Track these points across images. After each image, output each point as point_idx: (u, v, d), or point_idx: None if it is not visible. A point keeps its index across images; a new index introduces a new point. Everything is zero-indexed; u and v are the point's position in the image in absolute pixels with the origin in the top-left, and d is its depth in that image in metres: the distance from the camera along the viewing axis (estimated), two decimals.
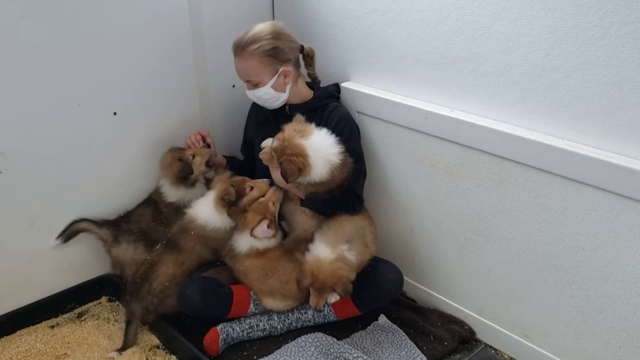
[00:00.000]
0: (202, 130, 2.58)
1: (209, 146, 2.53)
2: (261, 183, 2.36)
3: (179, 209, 2.48)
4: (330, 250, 2.15)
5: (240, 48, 2.24)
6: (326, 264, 2.13)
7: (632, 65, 1.68)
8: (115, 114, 2.40)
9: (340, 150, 2.17)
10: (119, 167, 2.50)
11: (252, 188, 2.34)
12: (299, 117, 2.22)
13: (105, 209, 2.51)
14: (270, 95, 2.32)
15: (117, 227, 2.49)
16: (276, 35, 2.25)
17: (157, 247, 2.37)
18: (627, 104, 1.72)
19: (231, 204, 2.29)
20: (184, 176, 2.47)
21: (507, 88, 1.98)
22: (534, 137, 1.93)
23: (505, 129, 2.00)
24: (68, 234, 2.43)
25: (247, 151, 2.66)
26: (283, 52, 2.26)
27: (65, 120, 2.28)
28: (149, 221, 2.50)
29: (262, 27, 2.25)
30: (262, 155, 2.23)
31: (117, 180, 2.51)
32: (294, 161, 2.11)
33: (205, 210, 2.34)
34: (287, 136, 2.14)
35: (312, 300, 2.21)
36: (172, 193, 2.52)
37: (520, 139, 1.96)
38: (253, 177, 2.45)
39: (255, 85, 2.31)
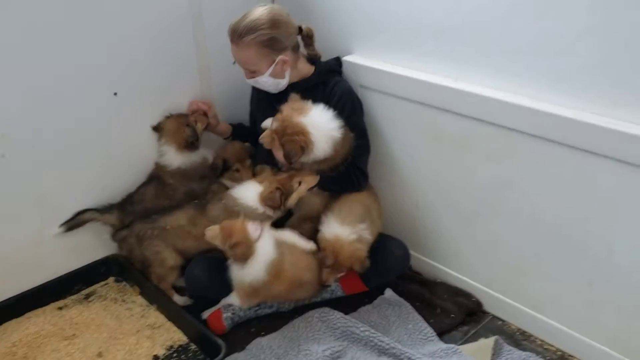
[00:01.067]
0: (206, 100, 2.58)
1: (205, 113, 2.55)
2: (310, 177, 2.25)
3: (185, 174, 2.51)
4: (349, 230, 2.19)
5: (237, 36, 2.18)
6: (347, 244, 2.17)
7: None
8: (115, 94, 2.37)
9: (340, 124, 2.16)
10: (121, 147, 2.48)
11: (300, 183, 2.25)
12: (294, 96, 2.20)
13: (110, 189, 2.50)
14: (269, 83, 2.30)
15: (122, 210, 2.48)
16: (273, 23, 2.18)
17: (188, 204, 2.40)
18: (636, 69, 1.69)
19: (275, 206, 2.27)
20: (192, 141, 2.49)
21: (513, 57, 1.95)
22: (540, 106, 1.90)
23: (512, 99, 1.97)
24: (72, 224, 2.43)
25: (252, 124, 2.65)
26: (280, 41, 2.20)
27: (66, 102, 2.25)
28: (152, 199, 2.49)
29: (259, 15, 2.17)
30: (263, 139, 2.21)
31: (120, 160, 2.49)
32: (296, 140, 2.10)
33: (247, 193, 2.30)
34: (286, 116, 2.13)
35: (325, 275, 2.22)
36: (176, 158, 2.51)
37: (527, 109, 1.93)
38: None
39: (253, 73, 2.27)
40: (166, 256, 2.34)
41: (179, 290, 2.44)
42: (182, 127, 2.50)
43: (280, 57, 2.22)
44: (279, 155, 2.22)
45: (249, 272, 2.13)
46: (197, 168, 2.53)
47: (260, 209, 2.26)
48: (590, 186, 1.89)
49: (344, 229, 2.19)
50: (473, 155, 2.17)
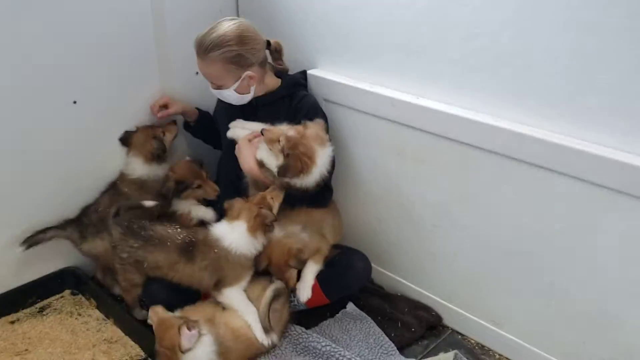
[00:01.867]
0: (163, 96, 2.55)
1: (174, 122, 2.54)
2: (278, 193, 2.19)
3: (143, 186, 2.45)
4: (279, 230, 2.19)
5: (203, 50, 2.15)
6: (276, 242, 2.17)
7: (596, 53, 1.69)
8: (75, 102, 2.33)
9: (331, 167, 2.21)
10: (80, 157, 2.43)
11: (272, 198, 2.19)
12: (319, 122, 2.20)
13: (66, 202, 2.44)
14: (234, 97, 2.28)
15: (79, 223, 2.43)
16: (240, 40, 2.15)
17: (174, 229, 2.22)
18: (591, 88, 1.74)
19: (269, 225, 2.16)
20: (159, 153, 2.46)
21: (473, 75, 1.98)
22: (499, 123, 1.94)
23: (471, 115, 2.00)
24: (32, 242, 2.37)
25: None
26: (246, 57, 2.18)
27: (21, 110, 2.20)
28: (106, 207, 2.40)
29: (226, 30, 2.14)
30: (269, 132, 2.15)
31: (78, 171, 2.44)
32: (303, 161, 2.09)
33: (235, 236, 2.14)
34: (307, 135, 2.11)
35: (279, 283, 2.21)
36: (142, 169, 2.47)
37: (486, 126, 1.96)
38: (217, 147, 2.54)
39: (219, 87, 2.25)
40: (134, 277, 2.23)
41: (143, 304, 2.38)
42: (149, 140, 2.46)
43: (246, 73, 2.20)
44: (248, 156, 2.21)
45: None
46: (157, 182, 2.45)
47: (252, 250, 2.14)
48: (547, 202, 1.92)
49: (277, 233, 2.19)
50: (434, 170, 2.20)
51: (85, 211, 2.45)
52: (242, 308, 2.15)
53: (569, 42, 1.73)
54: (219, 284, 2.15)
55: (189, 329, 1.93)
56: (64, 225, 2.42)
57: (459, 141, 2.06)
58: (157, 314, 2.03)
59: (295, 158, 2.08)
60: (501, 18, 1.85)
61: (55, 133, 2.32)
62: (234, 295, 2.16)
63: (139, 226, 2.19)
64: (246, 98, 2.29)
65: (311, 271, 2.26)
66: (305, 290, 2.23)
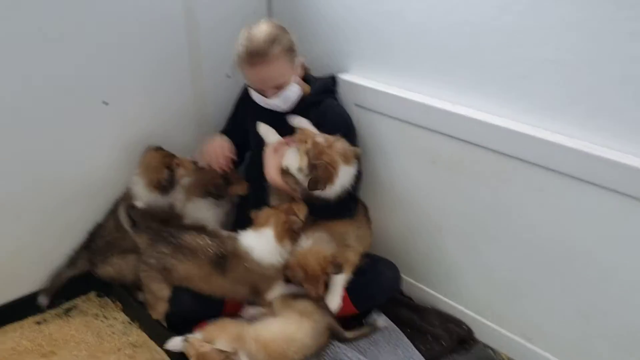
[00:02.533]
0: (229, 152, 2.42)
1: (194, 163, 2.42)
2: (302, 206, 2.17)
3: (146, 213, 2.35)
4: (306, 240, 2.14)
5: (262, 54, 2.10)
6: (307, 252, 2.11)
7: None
8: (106, 103, 2.32)
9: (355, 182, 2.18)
10: (108, 160, 2.42)
11: (299, 209, 2.18)
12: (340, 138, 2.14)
13: (96, 206, 2.44)
14: (297, 92, 2.24)
15: (88, 250, 2.41)
16: (283, 30, 2.16)
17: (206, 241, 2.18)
18: (635, 101, 1.67)
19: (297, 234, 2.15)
20: (165, 185, 2.34)
21: (513, 83, 1.92)
22: (539, 134, 1.87)
23: (510, 125, 1.93)
24: (54, 290, 2.39)
25: (232, 126, 2.53)
26: (295, 44, 2.18)
27: (51, 110, 2.19)
28: (112, 231, 2.38)
29: (268, 29, 2.13)
30: (301, 134, 2.13)
31: (106, 175, 2.43)
32: (329, 171, 2.06)
33: (263, 244, 2.13)
34: (335, 147, 2.08)
35: (312, 291, 2.14)
36: (143, 195, 2.36)
37: (525, 136, 1.90)
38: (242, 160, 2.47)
39: (278, 87, 2.19)
40: (161, 287, 2.19)
41: None
42: (161, 167, 2.35)
43: (298, 60, 2.21)
44: (273, 164, 2.18)
45: None
46: (160, 211, 2.38)
47: (279, 259, 2.12)
48: (590, 217, 1.85)
49: (304, 243, 2.15)
50: (468, 179, 2.14)
51: (93, 237, 2.42)
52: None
53: (622, 52, 1.66)
54: (256, 294, 2.14)
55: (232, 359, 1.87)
56: (75, 261, 2.40)
57: (496, 151, 2.00)
58: (194, 347, 1.92)
59: (325, 168, 2.05)
60: (545, 25, 1.78)
61: (85, 134, 2.31)
62: (276, 293, 2.16)
63: (168, 233, 2.17)
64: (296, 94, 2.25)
65: (340, 280, 2.22)
66: (335, 299, 2.19)
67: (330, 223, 2.25)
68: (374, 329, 2.27)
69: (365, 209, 2.46)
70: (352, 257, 2.26)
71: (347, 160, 2.11)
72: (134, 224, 2.25)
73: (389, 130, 2.32)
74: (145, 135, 2.45)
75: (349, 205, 2.28)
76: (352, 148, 2.15)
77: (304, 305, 2.12)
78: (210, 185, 2.39)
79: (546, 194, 1.93)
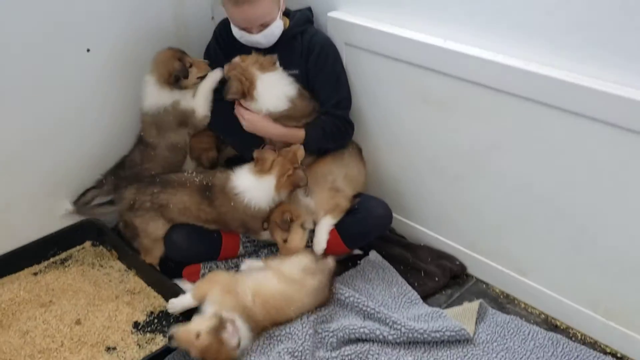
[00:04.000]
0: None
1: (209, 63, 2.36)
2: (297, 147, 2.19)
3: (160, 123, 2.32)
4: None
5: None
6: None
7: None
8: (88, 50, 2.26)
9: (294, 86, 2.24)
10: (95, 107, 2.37)
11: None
12: (272, 57, 2.22)
13: (86, 156, 2.41)
14: (280, 27, 2.22)
15: (116, 176, 2.40)
16: None
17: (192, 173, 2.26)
18: (630, 30, 1.64)
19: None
20: (177, 78, 2.27)
21: (503, 15, 1.88)
22: (530, 67, 1.85)
23: (501, 59, 1.90)
24: (80, 210, 2.42)
25: None
26: None
27: (33, 58, 2.14)
28: (140, 163, 2.37)
29: None
30: (228, 66, 2.21)
31: (94, 121, 2.39)
32: (243, 82, 2.15)
33: (259, 191, 2.14)
34: (249, 60, 2.18)
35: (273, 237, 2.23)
36: (152, 96, 2.31)
37: (516, 70, 1.87)
38: None
39: (263, 25, 2.16)
40: (157, 227, 2.23)
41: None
42: (173, 60, 2.28)
43: None
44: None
45: None
46: (168, 113, 2.32)
47: (270, 204, 2.15)
48: (580, 149, 1.86)
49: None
50: (460, 117, 2.12)
51: (122, 164, 2.41)
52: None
53: None
54: (248, 231, 2.20)
55: (224, 327, 1.84)
56: (101, 183, 2.40)
57: (488, 86, 1.97)
58: (186, 341, 1.84)
59: (236, 79, 2.15)
60: None
61: (68, 81, 2.26)
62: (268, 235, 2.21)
63: (152, 177, 2.23)
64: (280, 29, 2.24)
65: (325, 225, 2.25)
66: (318, 243, 2.23)
67: (313, 167, 2.27)
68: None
69: (359, 149, 2.45)
70: (343, 202, 2.28)
71: (263, 68, 2.18)
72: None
73: (379, 69, 2.28)
74: (127, 81, 2.40)
75: (347, 128, 2.33)
76: (268, 56, 2.21)
77: (305, 261, 2.13)
78: (205, 157, 2.42)
79: (536, 128, 1.93)
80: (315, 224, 2.25)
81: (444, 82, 2.09)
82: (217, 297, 1.94)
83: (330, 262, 2.17)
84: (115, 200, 2.36)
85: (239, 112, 2.24)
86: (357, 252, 2.42)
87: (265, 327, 2.00)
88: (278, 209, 2.18)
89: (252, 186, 2.13)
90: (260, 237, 2.29)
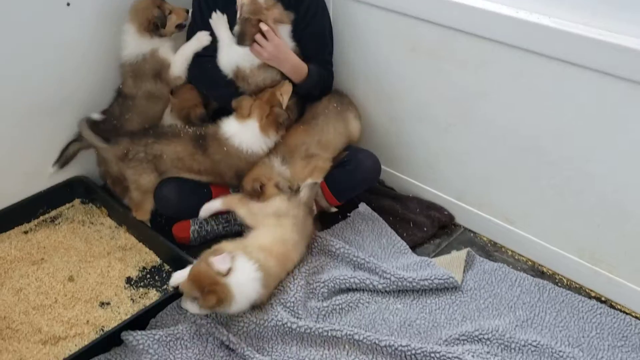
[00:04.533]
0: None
1: (187, 11, 2.32)
2: (286, 86, 2.17)
3: (137, 72, 2.29)
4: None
5: None
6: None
7: None
8: (68, 4, 2.21)
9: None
10: (76, 63, 2.33)
11: (282, 94, 2.17)
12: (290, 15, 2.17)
13: (67, 112, 2.37)
14: None
15: (97, 128, 2.34)
16: None
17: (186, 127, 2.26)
18: None
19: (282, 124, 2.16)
20: (155, 25, 2.24)
21: None
22: (519, 15, 1.84)
23: (490, 7, 1.90)
24: (63, 161, 2.39)
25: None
26: None
27: (12, 15, 2.09)
28: (119, 116, 2.34)
29: None
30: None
31: (75, 76, 2.35)
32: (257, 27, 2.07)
33: (248, 135, 2.17)
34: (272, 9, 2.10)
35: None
36: (131, 44, 2.28)
37: (505, 18, 1.86)
38: None
39: None
40: (149, 179, 2.22)
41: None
42: (152, 7, 2.24)
43: None
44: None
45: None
46: (146, 61, 2.28)
47: (263, 148, 2.18)
48: (567, 97, 1.86)
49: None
50: (449, 66, 2.11)
51: (100, 121, 2.37)
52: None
53: None
54: (241, 179, 2.20)
55: (218, 255, 1.85)
56: (81, 136, 2.36)
57: (476, 35, 1.96)
58: (183, 284, 1.86)
59: (251, 25, 2.06)
60: None
61: (49, 37, 2.21)
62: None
63: (145, 130, 2.24)
64: None
65: (307, 187, 2.24)
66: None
67: (285, 136, 2.26)
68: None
69: (346, 105, 2.41)
70: (320, 163, 2.27)
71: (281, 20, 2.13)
72: (106, 139, 2.27)
73: (368, 19, 2.25)
74: (108, 36, 2.35)
75: (329, 70, 2.34)
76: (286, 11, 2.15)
77: (276, 206, 2.13)
78: (193, 115, 2.39)
79: (524, 76, 1.93)
80: (290, 188, 2.24)
81: (432, 30, 2.07)
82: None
83: (303, 194, 2.18)
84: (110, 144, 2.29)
85: (260, 40, 2.11)
86: (333, 210, 2.42)
87: (281, 278, 2.02)
88: (248, 176, 2.19)
89: (240, 131, 2.16)
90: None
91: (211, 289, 1.79)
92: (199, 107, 2.41)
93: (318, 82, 2.27)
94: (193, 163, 2.20)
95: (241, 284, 1.84)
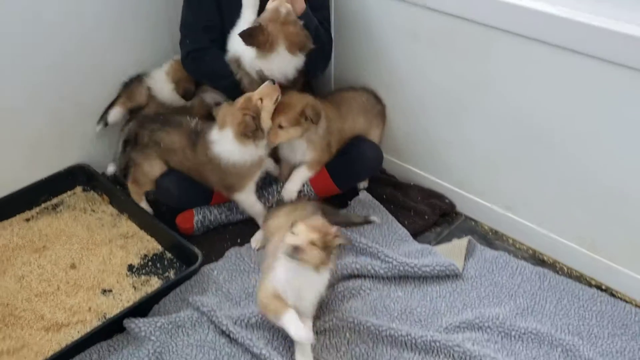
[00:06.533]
0: None
1: None
2: (267, 89, 2.01)
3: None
4: None
5: None
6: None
7: None
8: None
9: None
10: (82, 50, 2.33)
11: (261, 100, 2.00)
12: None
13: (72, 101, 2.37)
14: None
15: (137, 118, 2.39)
16: None
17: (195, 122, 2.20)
18: None
19: (254, 133, 2.00)
20: None
21: None
22: (522, 2, 1.83)
23: None
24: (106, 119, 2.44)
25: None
26: None
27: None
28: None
29: None
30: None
31: (82, 64, 2.35)
32: (269, 38, 2.03)
33: (226, 145, 2.04)
34: (290, 22, 2.04)
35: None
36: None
37: (508, 5, 1.85)
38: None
39: None
40: (151, 166, 2.21)
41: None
42: None
43: None
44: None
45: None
46: None
47: (246, 158, 2.05)
48: (569, 85, 1.85)
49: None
50: (450, 54, 2.10)
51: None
52: (254, 211, 2.20)
53: None
54: (226, 189, 2.16)
55: None
56: (124, 127, 2.42)
57: (479, 22, 1.95)
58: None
59: (262, 30, 2.01)
60: None
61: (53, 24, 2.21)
62: (243, 199, 2.18)
63: (156, 115, 2.28)
64: None
65: (299, 176, 2.24)
66: (288, 194, 2.23)
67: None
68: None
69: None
70: (318, 158, 2.25)
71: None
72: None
73: (367, 6, 2.24)
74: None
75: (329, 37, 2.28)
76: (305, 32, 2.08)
77: (286, 210, 2.08)
78: (181, 86, 2.39)
79: (527, 64, 1.92)
80: None
81: (434, 18, 2.06)
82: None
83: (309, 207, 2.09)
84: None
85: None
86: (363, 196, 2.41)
87: None
88: (232, 109, 2.03)
89: (219, 140, 2.06)
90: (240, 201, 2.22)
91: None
92: (189, 82, 2.38)
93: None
94: (183, 157, 2.16)
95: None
